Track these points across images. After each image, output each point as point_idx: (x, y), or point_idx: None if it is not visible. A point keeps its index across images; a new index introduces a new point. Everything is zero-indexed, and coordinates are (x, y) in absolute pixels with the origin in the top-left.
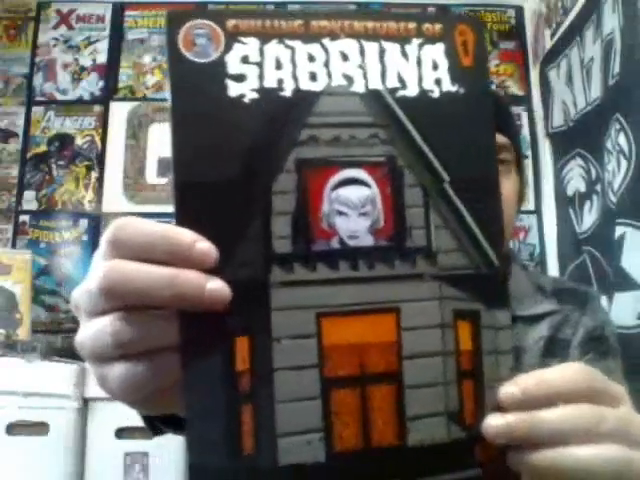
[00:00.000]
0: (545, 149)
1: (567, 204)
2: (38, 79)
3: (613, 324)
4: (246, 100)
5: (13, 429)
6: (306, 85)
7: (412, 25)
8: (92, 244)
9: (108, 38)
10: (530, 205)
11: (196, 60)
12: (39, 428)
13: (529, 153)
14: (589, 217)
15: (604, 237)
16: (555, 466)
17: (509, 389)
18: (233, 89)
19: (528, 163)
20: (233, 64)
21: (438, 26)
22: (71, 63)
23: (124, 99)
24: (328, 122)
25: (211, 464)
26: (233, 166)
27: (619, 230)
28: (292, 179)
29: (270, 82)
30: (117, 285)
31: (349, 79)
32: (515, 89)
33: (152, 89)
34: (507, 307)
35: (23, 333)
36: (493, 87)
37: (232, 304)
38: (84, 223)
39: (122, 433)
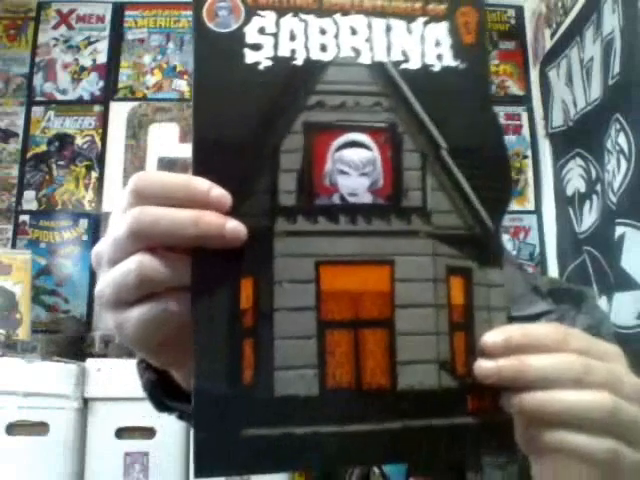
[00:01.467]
0: (545, 149)
1: (567, 204)
2: (38, 79)
3: (610, 322)
4: (261, 67)
5: (13, 429)
6: (316, 55)
7: (418, 4)
8: (92, 244)
9: (108, 38)
10: (530, 205)
11: (217, 30)
12: (39, 428)
13: (529, 153)
14: (589, 217)
15: (604, 237)
16: (544, 408)
17: (493, 335)
18: (249, 57)
19: (528, 163)
20: (251, 34)
21: (443, 6)
22: (71, 63)
23: (124, 99)
24: (335, 89)
25: (213, 391)
26: (246, 126)
27: (619, 230)
28: (299, 140)
29: (284, 52)
30: (146, 227)
31: (356, 51)
32: (515, 89)
33: (152, 89)
34: (500, 266)
35: (23, 333)
36: (495, 88)
37: (240, 249)
38: (84, 223)
39: (122, 433)
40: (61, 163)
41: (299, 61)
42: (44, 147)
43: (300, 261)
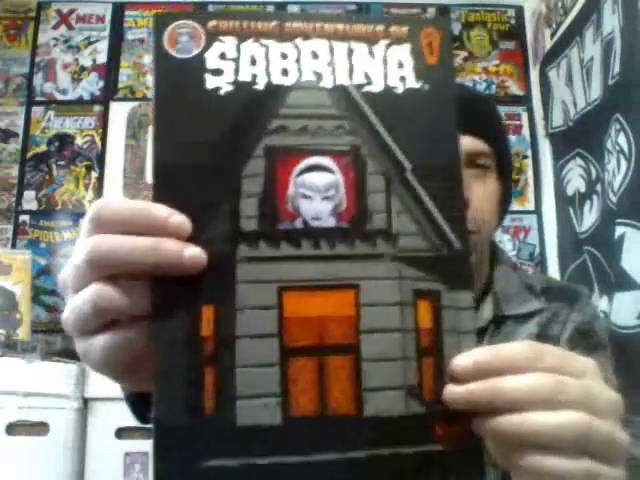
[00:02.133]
0: (545, 149)
1: (567, 204)
2: (38, 79)
3: (602, 319)
4: (221, 92)
5: (13, 429)
6: (278, 80)
7: (380, 27)
8: None
9: (108, 38)
10: (530, 205)
11: (178, 56)
12: (39, 428)
13: (529, 153)
14: (589, 217)
15: (604, 237)
16: (516, 432)
17: (463, 359)
18: (210, 82)
19: (528, 163)
20: (211, 60)
21: (405, 28)
22: (71, 63)
23: (124, 99)
24: (297, 113)
25: (174, 420)
26: (207, 151)
27: (619, 230)
28: (261, 164)
29: (244, 76)
30: (103, 255)
31: (318, 75)
32: (515, 89)
33: (152, 89)
34: (469, 289)
35: (23, 333)
36: (495, 88)
37: (201, 276)
38: None
39: (122, 433)
40: (61, 163)
41: (260, 85)
42: (44, 147)
43: (262, 287)
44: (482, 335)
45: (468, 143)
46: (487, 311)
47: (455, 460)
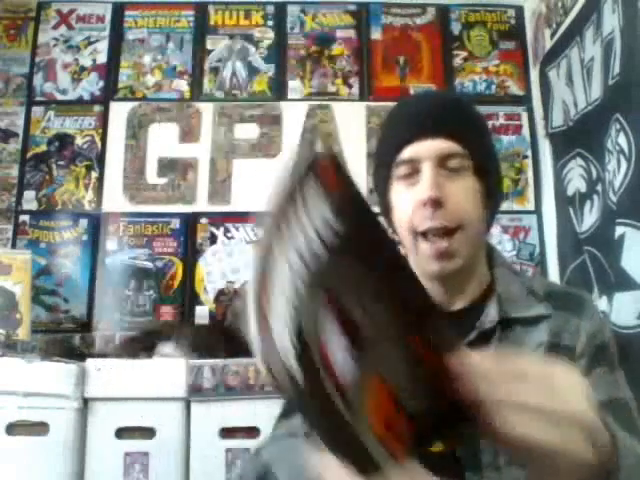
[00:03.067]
0: (545, 149)
1: (567, 204)
2: (38, 79)
3: (609, 327)
4: None
5: (13, 429)
6: None
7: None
8: (92, 244)
9: (108, 38)
10: (530, 205)
11: None
12: (39, 428)
13: (529, 153)
14: (589, 217)
15: (604, 237)
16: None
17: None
18: None
19: (528, 163)
20: None
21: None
22: (71, 63)
23: (124, 99)
24: None
25: None
26: None
27: (619, 230)
28: None
29: None
30: None
31: None
32: (515, 89)
33: (152, 89)
34: None
35: (23, 333)
36: (495, 88)
37: None
38: (84, 223)
39: (122, 433)
40: (61, 163)
41: None
42: (44, 147)
43: None
44: (489, 338)
45: (437, 145)
46: (493, 313)
47: None
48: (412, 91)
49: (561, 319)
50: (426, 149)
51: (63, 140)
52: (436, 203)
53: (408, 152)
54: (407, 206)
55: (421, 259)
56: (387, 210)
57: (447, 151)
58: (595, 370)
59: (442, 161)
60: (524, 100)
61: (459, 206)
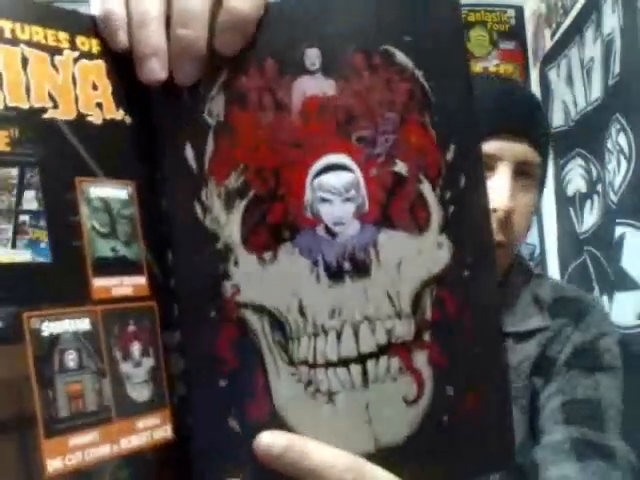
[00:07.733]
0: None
1: (568, 204)
2: None
3: (612, 338)
4: None
5: None
6: None
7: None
8: None
9: None
10: None
11: None
12: None
13: None
14: (590, 217)
15: (605, 237)
16: None
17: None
18: None
19: None
20: None
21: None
22: None
23: None
24: None
25: None
26: None
27: (619, 230)
28: None
29: None
30: None
31: None
32: None
33: None
34: None
35: None
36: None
37: None
38: None
39: None
40: None
41: None
42: None
43: None
44: None
45: (521, 149)
46: None
47: None
48: None
49: (556, 328)
50: (509, 149)
51: None
52: (508, 215)
53: (490, 147)
54: None
55: None
56: None
57: (530, 159)
58: (570, 372)
59: (519, 166)
60: None
61: (520, 223)
